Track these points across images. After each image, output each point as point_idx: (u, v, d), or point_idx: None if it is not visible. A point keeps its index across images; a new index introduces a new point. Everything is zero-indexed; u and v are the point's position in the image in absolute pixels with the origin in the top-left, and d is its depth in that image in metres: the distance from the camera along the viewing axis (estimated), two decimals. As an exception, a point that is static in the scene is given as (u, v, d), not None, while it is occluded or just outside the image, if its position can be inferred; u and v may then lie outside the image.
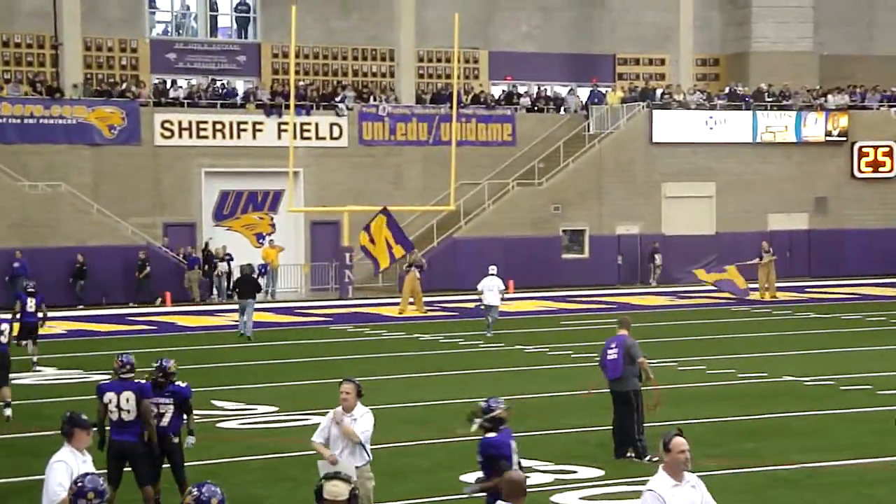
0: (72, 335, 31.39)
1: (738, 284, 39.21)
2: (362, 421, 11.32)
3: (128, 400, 12.82)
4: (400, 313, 35.55)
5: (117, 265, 38.92)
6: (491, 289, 30.25)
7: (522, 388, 21.96)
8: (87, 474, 7.72)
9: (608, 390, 16.46)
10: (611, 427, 16.28)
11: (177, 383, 13.28)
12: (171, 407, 13.14)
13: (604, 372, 16.40)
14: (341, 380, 11.55)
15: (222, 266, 40.77)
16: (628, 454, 15.93)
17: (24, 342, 24.61)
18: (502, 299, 31.00)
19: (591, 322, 32.19)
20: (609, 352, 16.25)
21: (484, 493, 10.15)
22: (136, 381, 13.07)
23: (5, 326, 19.72)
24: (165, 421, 13.12)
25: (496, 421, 10.40)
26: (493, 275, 30.72)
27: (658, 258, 44.64)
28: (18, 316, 24.37)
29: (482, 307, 30.59)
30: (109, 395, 12.91)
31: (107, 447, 12.85)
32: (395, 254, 38.09)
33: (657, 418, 18.58)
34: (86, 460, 9.56)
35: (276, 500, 13.10)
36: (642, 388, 16.30)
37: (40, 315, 24.99)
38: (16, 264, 37.34)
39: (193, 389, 22.15)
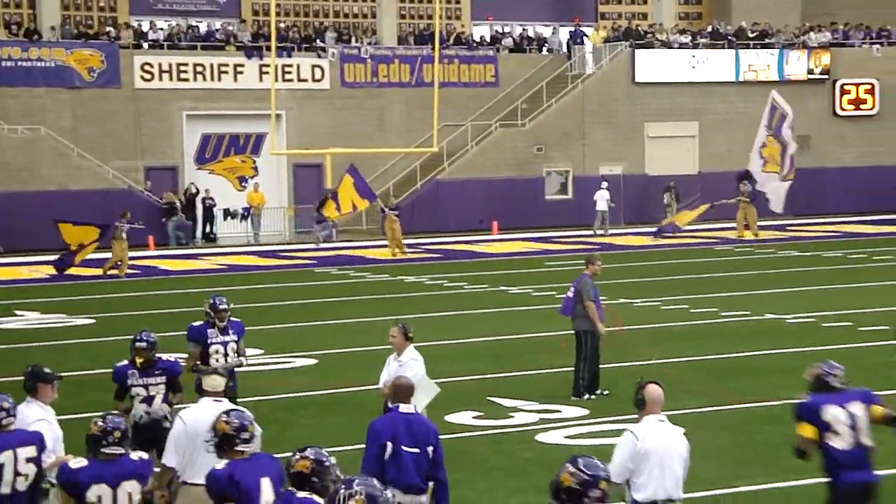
0: (55, 279, 31.33)
1: (677, 223, 39.29)
2: (407, 367, 11.22)
3: None
4: (393, 255, 35.41)
5: (99, 209, 38.74)
6: (600, 198, 40.76)
7: (507, 328, 22.07)
8: (106, 414, 7.79)
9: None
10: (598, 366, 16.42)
11: (165, 358, 11.54)
12: (163, 386, 11.36)
13: None
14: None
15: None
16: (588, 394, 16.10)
17: None
18: (609, 207, 40.70)
19: (575, 263, 32.22)
20: (570, 291, 16.47)
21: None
22: None
23: None
24: (157, 403, 11.34)
25: None
26: (603, 188, 41.31)
27: (667, 197, 44.20)
28: None
29: (597, 212, 40.71)
30: None
31: None
32: (357, 206, 36.94)
33: (644, 357, 18.73)
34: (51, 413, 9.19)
35: (264, 442, 13.15)
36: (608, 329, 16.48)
37: None
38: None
39: (177, 333, 22.22)
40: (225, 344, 13.01)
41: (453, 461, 12.48)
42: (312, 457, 6.48)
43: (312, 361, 19.16)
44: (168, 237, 39.85)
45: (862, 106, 48.09)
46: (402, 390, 9.12)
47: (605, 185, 41.73)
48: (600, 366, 16.30)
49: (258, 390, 16.52)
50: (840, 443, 8.81)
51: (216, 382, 9.04)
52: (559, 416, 15.00)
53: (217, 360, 12.87)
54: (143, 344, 11.26)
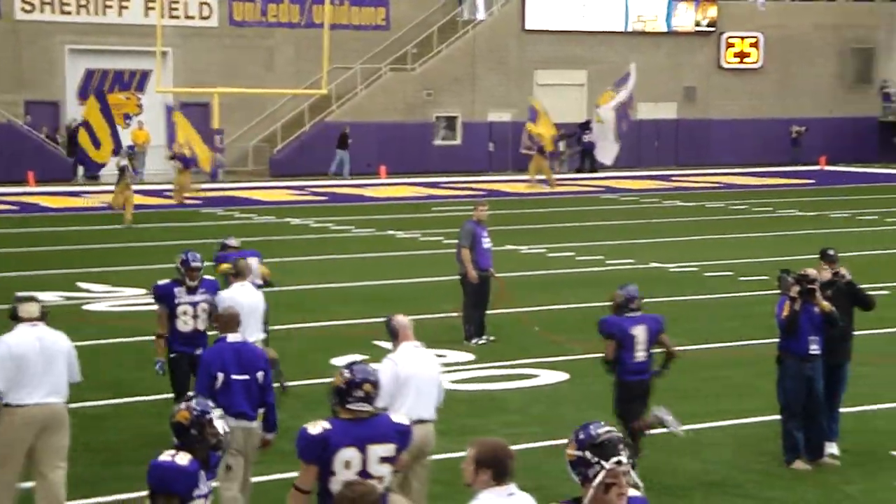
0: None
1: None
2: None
3: None
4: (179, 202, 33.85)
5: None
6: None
7: (393, 273, 22.07)
8: None
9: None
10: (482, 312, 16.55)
11: None
12: None
13: None
14: None
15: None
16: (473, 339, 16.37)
17: None
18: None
19: (463, 208, 32.32)
20: None
21: None
22: None
23: None
24: None
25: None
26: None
27: (562, 145, 44.32)
28: None
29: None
30: None
31: None
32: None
33: (528, 304, 18.89)
34: None
35: (149, 382, 13.02)
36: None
37: None
38: None
39: (60, 271, 21.80)
40: (195, 304, 11.71)
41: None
42: (195, 409, 6.40)
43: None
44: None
45: (746, 59, 48.80)
46: (226, 320, 9.56)
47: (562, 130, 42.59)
48: (487, 312, 16.43)
49: (142, 330, 16.31)
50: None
51: (31, 309, 9.37)
52: (445, 361, 15.03)
53: (185, 323, 11.64)
54: None
